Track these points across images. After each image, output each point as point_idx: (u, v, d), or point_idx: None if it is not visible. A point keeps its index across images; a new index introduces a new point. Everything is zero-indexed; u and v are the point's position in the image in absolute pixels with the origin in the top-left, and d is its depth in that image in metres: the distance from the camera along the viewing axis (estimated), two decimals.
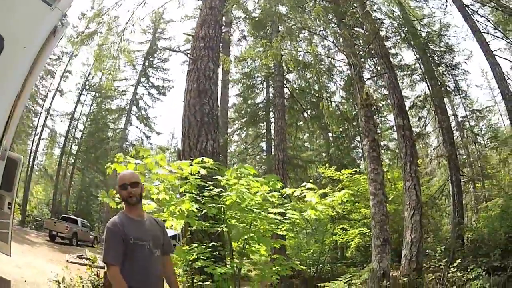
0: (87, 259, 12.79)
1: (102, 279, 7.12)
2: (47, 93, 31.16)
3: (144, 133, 34.74)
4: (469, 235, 13.60)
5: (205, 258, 6.27)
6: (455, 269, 9.84)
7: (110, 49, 13.70)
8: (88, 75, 32.58)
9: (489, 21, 15.37)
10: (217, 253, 6.50)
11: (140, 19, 25.16)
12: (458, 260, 10.20)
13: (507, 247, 10.58)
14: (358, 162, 25.23)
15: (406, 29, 14.87)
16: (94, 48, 14.60)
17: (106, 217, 31.66)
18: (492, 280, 9.40)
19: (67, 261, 12.87)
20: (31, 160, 29.62)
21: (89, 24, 14.82)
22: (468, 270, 9.92)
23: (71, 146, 33.98)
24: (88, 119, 34.54)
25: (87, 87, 33.35)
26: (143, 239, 2.67)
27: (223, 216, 6.29)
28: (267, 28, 16.20)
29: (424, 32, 16.38)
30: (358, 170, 17.02)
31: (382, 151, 22.32)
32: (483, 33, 13.99)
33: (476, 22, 14.18)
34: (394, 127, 11.97)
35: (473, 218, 22.35)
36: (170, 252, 3.02)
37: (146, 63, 33.49)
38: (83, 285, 7.16)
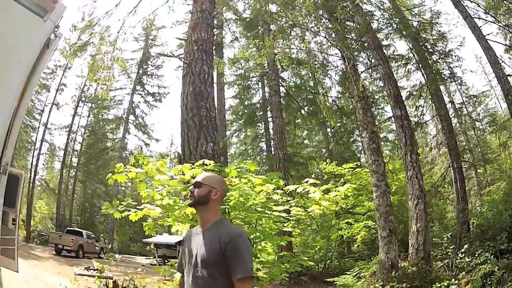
0: (94, 270, 12.80)
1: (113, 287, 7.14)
2: (44, 108, 31.33)
3: (143, 141, 34.91)
4: (474, 221, 13.58)
5: None
6: (463, 255, 9.88)
7: (104, 59, 13.79)
8: (83, 87, 32.71)
9: (479, 6, 15.40)
10: None
11: (131, 27, 25.43)
12: (465, 246, 10.23)
13: None
14: (359, 155, 25.32)
15: (397, 19, 14.89)
16: (88, 59, 14.77)
17: (111, 227, 31.77)
18: (501, 263, 9.41)
19: (75, 273, 12.89)
20: (32, 175, 29.72)
21: (81, 35, 14.97)
22: (476, 255, 9.95)
23: (71, 158, 34.15)
24: (86, 131, 34.71)
25: (83, 98, 33.47)
26: (190, 255, 2.32)
27: (227, 217, 6.29)
28: (259, 28, 16.20)
29: (416, 21, 16.40)
30: (359, 164, 17.01)
31: (382, 142, 22.41)
32: (474, 18, 14.01)
33: (466, 7, 14.20)
34: (392, 118, 11.98)
35: (477, 204, 22.42)
36: (236, 275, 2.10)
37: (140, 71, 33.58)
38: None
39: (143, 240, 26.74)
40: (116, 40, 14.01)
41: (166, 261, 20.21)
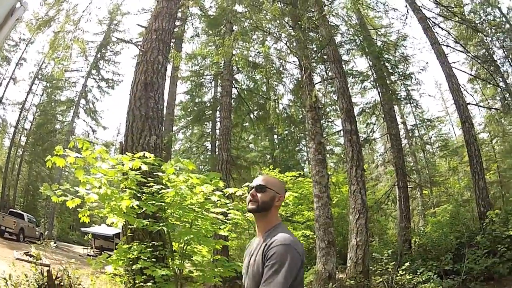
0: (31, 256, 12.28)
1: (46, 278, 6.77)
2: (2, 81, 29.60)
3: (90, 127, 33.81)
4: (417, 239, 13.98)
5: (146, 258, 6.03)
6: (404, 272, 10.09)
7: (65, 37, 13.29)
8: (42, 64, 31.27)
9: (450, 34, 15.98)
10: (158, 253, 6.28)
11: (97, 8, 24.59)
12: (407, 264, 10.46)
13: (459, 251, 10.95)
14: (303, 165, 25.74)
15: (362, 37, 15.18)
16: (51, 36, 14.20)
17: (52, 213, 30.50)
18: (445, 283, 9.71)
19: (15, 257, 12.37)
20: None
21: (49, 10, 14.47)
22: (418, 273, 10.20)
23: (20, 137, 32.50)
24: (38, 110, 33.13)
25: (39, 76, 31.97)
26: (246, 268, 2.09)
27: (163, 214, 6.08)
28: (222, 27, 16.07)
29: (380, 41, 16.80)
30: (302, 173, 17.21)
31: (328, 155, 22.82)
32: (442, 46, 14.44)
33: (436, 34, 14.63)
34: (341, 132, 12.13)
35: (420, 223, 23.26)
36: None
37: (99, 55, 32.56)
38: (29, 284, 6.83)
39: (81, 229, 25.87)
40: (80, 20, 13.68)
41: (102, 252, 19.60)
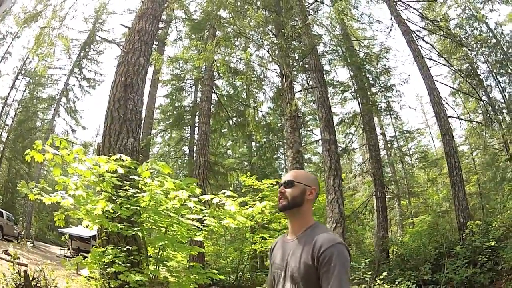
0: (9, 255, 12.05)
1: (23, 278, 6.68)
2: None
3: (70, 126, 33.20)
4: (394, 249, 14.07)
5: (120, 262, 5.97)
6: (382, 282, 10.14)
7: (50, 33, 13.21)
8: (26, 59, 30.71)
9: (434, 48, 16.25)
10: (133, 257, 6.22)
11: (84, 5, 24.40)
12: (384, 273, 10.52)
13: (438, 262, 11.04)
14: (280, 173, 25.79)
15: (344, 47, 15.36)
16: (37, 31, 14.16)
17: (30, 212, 29.89)
18: None
19: None
20: None
21: (37, 5, 14.41)
22: (396, 282, 10.26)
23: (1, 133, 31.81)
24: (20, 106, 32.51)
25: (23, 71, 31.38)
26: (279, 268, 1.99)
27: (138, 219, 6.03)
28: (205, 31, 16.09)
29: (363, 52, 17.00)
30: (279, 181, 17.06)
31: (305, 164, 22.96)
32: (425, 59, 14.56)
33: (420, 47, 14.78)
34: (320, 141, 12.17)
35: (398, 233, 23.54)
36: None
37: (82, 54, 32.14)
38: (7, 283, 6.72)
39: (58, 230, 25.38)
40: (66, 16, 13.65)
41: (79, 254, 19.27)
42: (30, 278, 6.79)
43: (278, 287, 1.94)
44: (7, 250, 13.46)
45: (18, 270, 7.00)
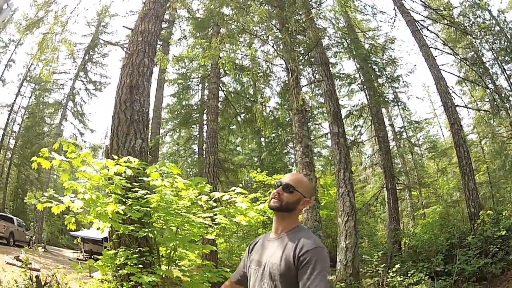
0: (21, 261, 12.16)
1: (35, 283, 6.70)
2: None
3: (78, 129, 33.40)
4: (407, 241, 14.01)
5: (132, 264, 5.96)
6: (395, 274, 10.07)
7: (53, 39, 13.28)
8: (30, 66, 30.94)
9: (439, 37, 16.08)
10: (145, 258, 6.21)
11: (85, 9, 24.52)
12: (397, 265, 10.45)
13: (450, 252, 10.99)
14: (290, 167, 25.71)
15: (349, 39, 15.23)
16: (39, 38, 14.25)
17: (41, 216, 30.16)
18: (436, 284, 9.72)
19: (5, 262, 12.18)
20: None
21: (38, 11, 14.45)
22: (409, 274, 10.19)
23: (9, 140, 32.13)
24: (27, 112, 32.80)
25: (28, 78, 31.63)
26: (258, 264, 2.05)
27: (148, 219, 6.01)
28: (209, 29, 16.06)
29: (368, 44, 16.87)
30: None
31: (315, 157, 22.89)
32: (430, 48, 14.47)
33: (424, 36, 14.66)
34: (329, 135, 12.11)
35: (409, 225, 23.40)
36: None
37: (86, 57, 32.23)
38: None
39: (70, 233, 25.57)
40: (68, 21, 13.68)
41: (92, 256, 19.40)
42: (42, 283, 6.80)
43: (255, 283, 2.00)
44: (18, 256, 13.59)
45: (30, 276, 7.02)
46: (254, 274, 2.04)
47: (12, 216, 21.89)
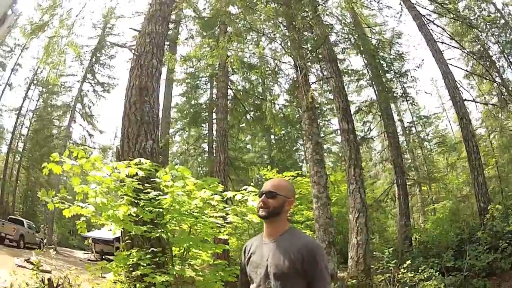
0: (32, 263, 12.24)
1: (47, 286, 6.72)
2: None
3: (87, 131, 33.60)
4: (417, 236, 13.97)
5: (145, 264, 5.98)
6: (406, 270, 10.02)
7: (59, 42, 13.35)
8: (37, 69, 31.17)
9: (445, 31, 15.96)
10: (158, 259, 6.22)
11: (91, 12, 24.57)
12: (408, 261, 10.41)
13: (460, 248, 10.94)
14: (300, 164, 25.71)
15: (356, 35, 15.14)
16: (45, 41, 14.39)
17: (51, 218, 30.40)
18: (447, 280, 9.66)
19: (16, 264, 12.25)
20: None
21: (43, 15, 14.56)
22: (420, 270, 10.13)
23: (17, 143, 32.44)
24: (34, 115, 33.06)
25: (35, 81, 31.88)
26: (258, 267, 2.15)
27: (161, 220, 6.03)
28: (216, 28, 16.06)
29: (375, 39, 16.77)
30: (300, 173, 17.17)
31: (325, 154, 22.85)
32: (437, 42, 14.37)
33: (431, 31, 14.56)
34: (338, 131, 12.09)
35: (420, 220, 23.32)
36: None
37: (93, 59, 32.41)
38: None
39: (81, 234, 25.74)
40: (74, 24, 13.75)
41: (103, 257, 19.49)
42: (54, 285, 6.82)
43: (260, 284, 2.10)
44: (29, 258, 13.69)
45: (42, 278, 7.03)
46: (255, 277, 2.15)
47: (22, 219, 22.09)
